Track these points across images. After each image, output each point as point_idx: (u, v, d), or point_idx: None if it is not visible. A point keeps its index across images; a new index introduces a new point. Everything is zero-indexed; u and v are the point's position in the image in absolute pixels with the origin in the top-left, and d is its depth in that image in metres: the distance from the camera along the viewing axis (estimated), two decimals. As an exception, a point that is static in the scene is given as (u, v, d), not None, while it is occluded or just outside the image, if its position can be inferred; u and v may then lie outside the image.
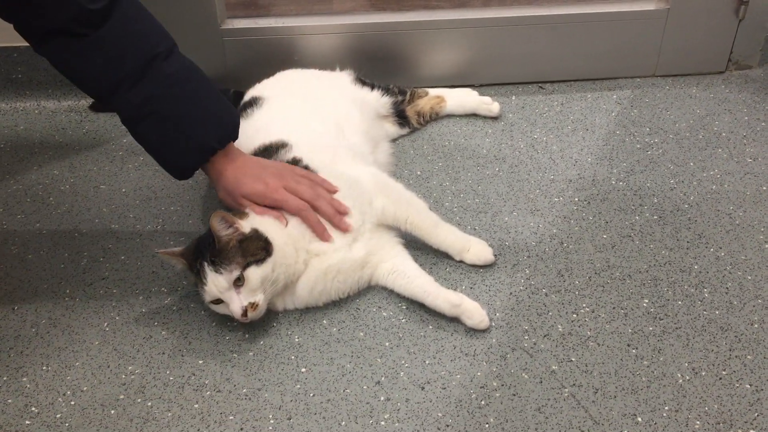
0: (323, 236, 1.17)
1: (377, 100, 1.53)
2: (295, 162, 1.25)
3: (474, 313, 1.16)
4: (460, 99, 1.67)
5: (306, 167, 1.24)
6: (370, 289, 1.25)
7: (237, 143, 1.24)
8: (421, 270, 1.23)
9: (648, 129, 1.59)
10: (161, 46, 1.14)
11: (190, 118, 1.16)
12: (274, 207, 1.18)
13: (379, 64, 1.70)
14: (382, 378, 1.10)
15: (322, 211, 1.18)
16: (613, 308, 1.19)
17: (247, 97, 1.45)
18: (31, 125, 1.69)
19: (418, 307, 1.20)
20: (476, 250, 1.26)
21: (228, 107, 1.22)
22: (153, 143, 1.18)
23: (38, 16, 1.08)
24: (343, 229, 1.18)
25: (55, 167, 1.55)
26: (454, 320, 1.17)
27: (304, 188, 1.19)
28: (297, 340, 1.16)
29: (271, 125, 1.34)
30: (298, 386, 1.09)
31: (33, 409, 1.07)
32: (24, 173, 1.54)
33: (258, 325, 1.19)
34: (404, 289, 1.21)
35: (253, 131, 1.32)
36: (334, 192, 1.22)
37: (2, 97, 1.74)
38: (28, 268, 1.31)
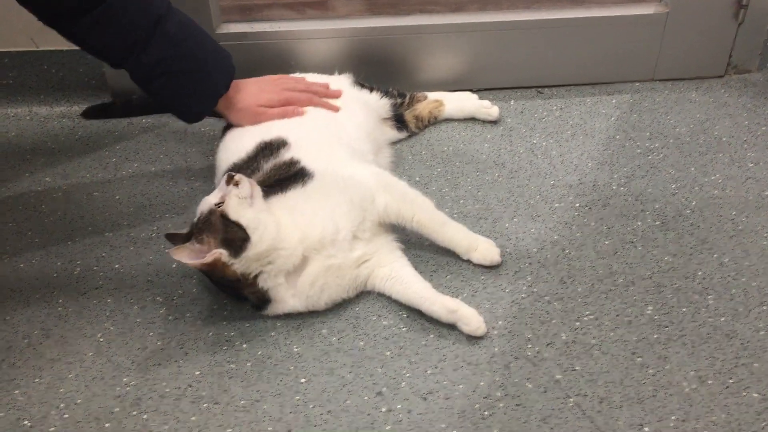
0: (335, 109, 1.39)
1: (377, 102, 1.52)
2: (293, 162, 1.24)
3: (471, 319, 1.14)
4: (458, 103, 1.65)
5: (303, 167, 1.22)
6: (370, 297, 1.23)
7: (234, 143, 1.33)
8: (418, 276, 1.21)
9: (648, 134, 1.58)
10: (161, 7, 1.23)
11: (197, 71, 1.28)
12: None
13: (377, 69, 1.68)
14: (384, 388, 1.08)
15: (320, 95, 1.41)
16: (617, 316, 1.17)
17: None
18: (23, 131, 1.66)
19: (418, 315, 1.18)
20: (483, 249, 1.25)
21: (224, 52, 1.34)
22: (166, 98, 1.31)
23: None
24: (338, 95, 1.44)
25: (47, 174, 1.53)
26: (456, 329, 1.15)
27: (301, 87, 1.41)
28: (296, 349, 1.14)
29: (271, 124, 1.33)
30: (298, 397, 1.07)
31: (26, 422, 1.04)
32: (15, 180, 1.51)
33: (256, 334, 1.16)
34: (401, 295, 1.19)
35: (255, 129, 1.33)
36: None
37: (-7, 103, 1.72)
38: (20, 277, 1.28)
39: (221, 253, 1.09)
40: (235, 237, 1.09)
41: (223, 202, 1.12)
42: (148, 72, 1.25)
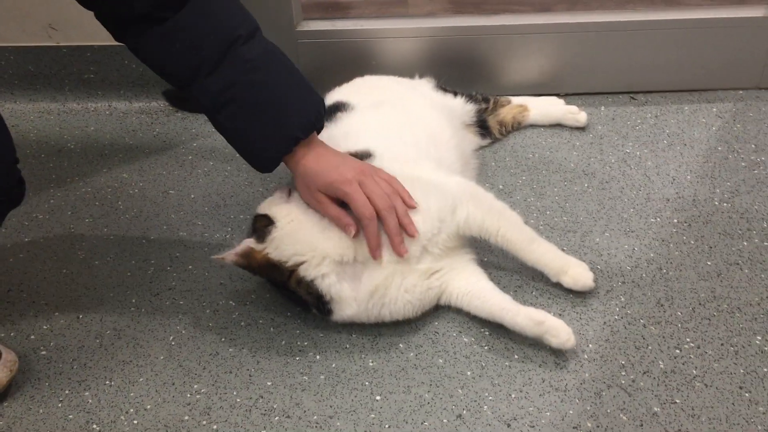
0: (374, 252, 1.08)
1: (462, 108, 1.44)
2: None
3: (560, 331, 1.05)
4: (544, 108, 1.57)
5: None
6: (449, 311, 1.16)
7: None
8: (497, 289, 1.13)
9: (753, 146, 1.46)
10: (241, 29, 1.07)
11: (271, 105, 1.09)
12: (339, 199, 1.10)
13: (459, 71, 1.62)
14: (464, 411, 1.01)
15: (387, 225, 1.08)
16: (722, 344, 1.07)
17: (331, 101, 1.38)
18: (102, 126, 1.66)
19: (501, 333, 1.11)
20: (574, 273, 1.15)
21: (313, 95, 1.14)
22: (233, 133, 1.12)
23: (123, 2, 1.04)
24: (399, 253, 1.09)
25: (124, 170, 1.52)
26: (542, 350, 1.07)
27: (380, 193, 1.09)
28: (371, 364, 1.08)
29: (361, 133, 1.27)
30: (373, 416, 1.01)
31: (94, 426, 1.02)
32: (93, 175, 1.51)
33: (330, 345, 1.11)
34: (480, 310, 1.12)
35: (341, 137, 1.25)
36: (412, 208, 1.12)
37: (74, 97, 1.72)
38: (94, 274, 1.27)
39: (250, 241, 1.12)
40: (261, 225, 1.13)
41: None
42: (214, 99, 1.07)
